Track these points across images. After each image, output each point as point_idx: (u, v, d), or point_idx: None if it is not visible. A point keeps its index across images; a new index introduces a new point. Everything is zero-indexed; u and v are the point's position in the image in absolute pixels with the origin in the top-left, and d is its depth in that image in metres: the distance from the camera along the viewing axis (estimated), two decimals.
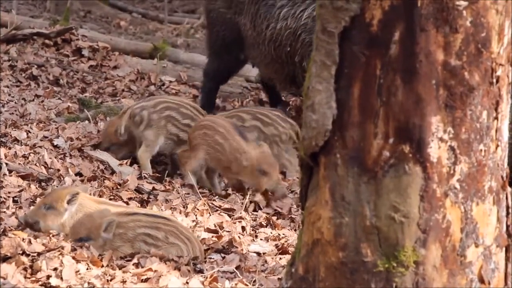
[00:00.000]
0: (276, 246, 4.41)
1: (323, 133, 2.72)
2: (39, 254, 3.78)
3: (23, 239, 3.93)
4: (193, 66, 8.51)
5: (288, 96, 7.70)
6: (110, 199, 4.79)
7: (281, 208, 5.18)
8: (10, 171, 4.95)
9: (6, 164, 5.01)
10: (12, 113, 6.56)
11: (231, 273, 3.92)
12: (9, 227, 4.18)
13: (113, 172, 5.43)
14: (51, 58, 8.28)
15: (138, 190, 5.15)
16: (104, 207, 4.19)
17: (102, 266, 3.79)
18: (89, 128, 6.07)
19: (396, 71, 2.64)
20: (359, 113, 2.68)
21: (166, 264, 3.88)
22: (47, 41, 8.53)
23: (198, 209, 4.83)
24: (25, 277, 3.55)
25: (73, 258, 3.74)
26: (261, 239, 4.54)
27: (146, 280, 3.67)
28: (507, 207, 2.80)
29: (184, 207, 4.92)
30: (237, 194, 5.38)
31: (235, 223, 4.72)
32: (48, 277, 3.56)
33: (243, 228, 4.66)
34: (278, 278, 3.86)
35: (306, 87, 2.79)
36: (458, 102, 2.65)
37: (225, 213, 4.88)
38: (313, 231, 2.79)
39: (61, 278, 3.55)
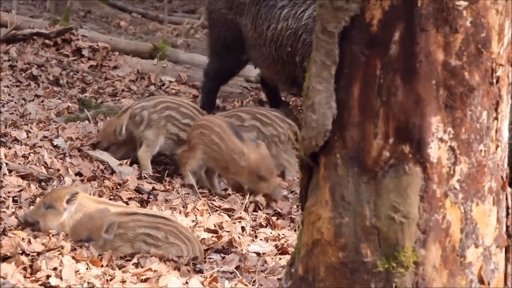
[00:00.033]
0: (276, 246, 4.41)
1: (323, 133, 2.72)
2: (38, 253, 3.78)
3: (22, 238, 3.94)
4: (193, 66, 8.50)
5: (288, 96, 7.70)
6: (110, 199, 4.78)
7: (281, 209, 5.18)
8: (10, 171, 4.95)
9: (6, 164, 5.01)
10: (12, 113, 6.56)
11: (231, 273, 3.92)
12: (9, 227, 4.18)
13: (113, 172, 5.43)
14: (51, 58, 8.27)
15: (138, 190, 5.15)
16: (104, 207, 4.19)
17: (102, 266, 3.79)
18: (89, 128, 6.07)
19: (396, 71, 2.63)
20: (359, 113, 2.68)
21: (165, 264, 3.88)
22: (47, 41, 8.53)
23: (198, 209, 4.83)
24: (24, 277, 3.55)
25: (73, 258, 3.75)
26: (261, 239, 4.54)
27: (145, 280, 3.67)
28: (507, 208, 2.79)
29: (184, 207, 4.92)
30: (237, 194, 5.38)
31: (235, 223, 4.72)
32: (48, 276, 3.56)
33: (243, 228, 4.66)
34: (278, 278, 3.86)
35: (306, 87, 2.79)
36: (458, 102, 2.65)
37: (225, 213, 4.87)
38: (313, 231, 2.79)
39: (61, 278, 3.55)
